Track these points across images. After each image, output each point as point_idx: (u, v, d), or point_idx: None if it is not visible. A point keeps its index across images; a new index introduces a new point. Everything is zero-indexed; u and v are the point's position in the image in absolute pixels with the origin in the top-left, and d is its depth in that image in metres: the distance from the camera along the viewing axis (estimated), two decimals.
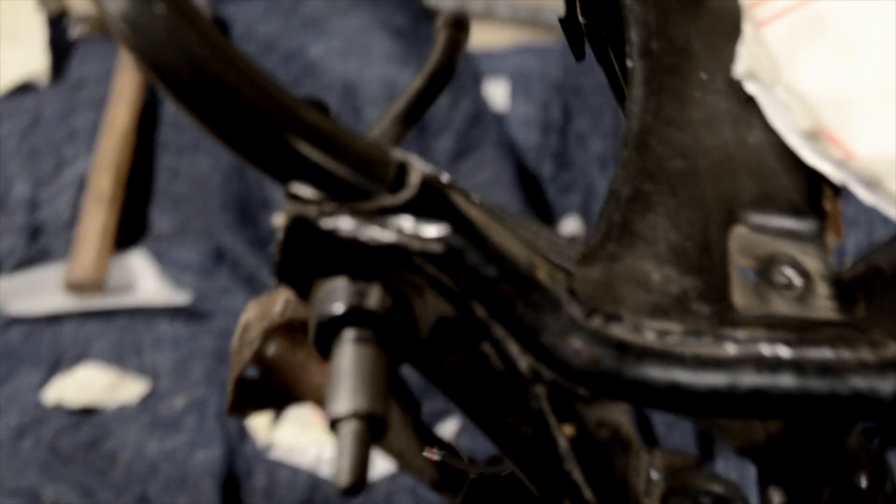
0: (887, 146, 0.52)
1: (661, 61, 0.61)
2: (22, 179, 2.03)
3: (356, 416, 0.47)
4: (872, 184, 0.54)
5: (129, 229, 2.01)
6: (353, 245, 0.48)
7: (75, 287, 1.91)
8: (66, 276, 1.92)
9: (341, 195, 0.48)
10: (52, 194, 2.02)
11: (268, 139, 0.46)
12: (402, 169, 0.48)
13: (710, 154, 0.59)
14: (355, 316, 0.48)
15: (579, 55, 0.79)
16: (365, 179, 0.48)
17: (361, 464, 0.46)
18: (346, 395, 0.47)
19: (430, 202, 0.48)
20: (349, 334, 0.48)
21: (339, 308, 0.49)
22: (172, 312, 1.89)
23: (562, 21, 0.77)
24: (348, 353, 0.48)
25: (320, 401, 0.69)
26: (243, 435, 1.72)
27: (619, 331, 0.52)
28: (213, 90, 0.46)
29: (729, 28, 0.62)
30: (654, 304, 0.53)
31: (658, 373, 0.52)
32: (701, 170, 0.58)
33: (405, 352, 0.50)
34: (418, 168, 0.49)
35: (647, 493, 0.62)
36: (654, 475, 0.63)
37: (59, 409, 1.76)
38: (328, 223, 0.48)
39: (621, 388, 0.52)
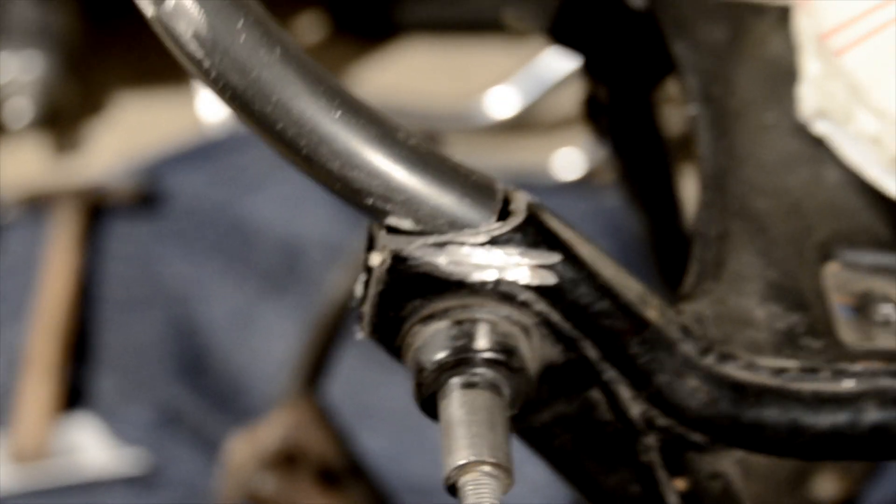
0: None
1: (724, 105, 0.59)
2: None
3: (482, 464, 0.42)
4: None
5: (74, 395, 1.94)
6: (456, 283, 0.44)
7: (19, 456, 1.83)
8: (8, 446, 1.84)
9: (444, 227, 0.44)
10: None
11: (362, 165, 0.43)
12: (507, 199, 0.45)
13: (791, 193, 0.56)
14: (463, 362, 0.44)
15: (602, 136, 0.77)
16: (468, 209, 0.44)
17: None
18: (466, 444, 0.42)
19: (537, 231, 0.45)
20: (458, 380, 0.44)
21: (442, 354, 0.44)
22: (124, 484, 1.81)
23: (587, 102, 0.75)
24: (459, 399, 0.44)
25: None
26: None
27: (734, 370, 0.49)
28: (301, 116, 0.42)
29: (782, 71, 0.61)
30: (763, 341, 0.50)
31: (777, 413, 0.49)
32: (784, 208, 0.56)
33: (516, 404, 0.46)
34: (523, 197, 0.45)
35: None
36: None
37: None
38: (432, 257, 0.44)
39: (739, 432, 0.49)
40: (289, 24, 2.13)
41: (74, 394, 1.92)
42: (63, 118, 2.11)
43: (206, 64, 0.41)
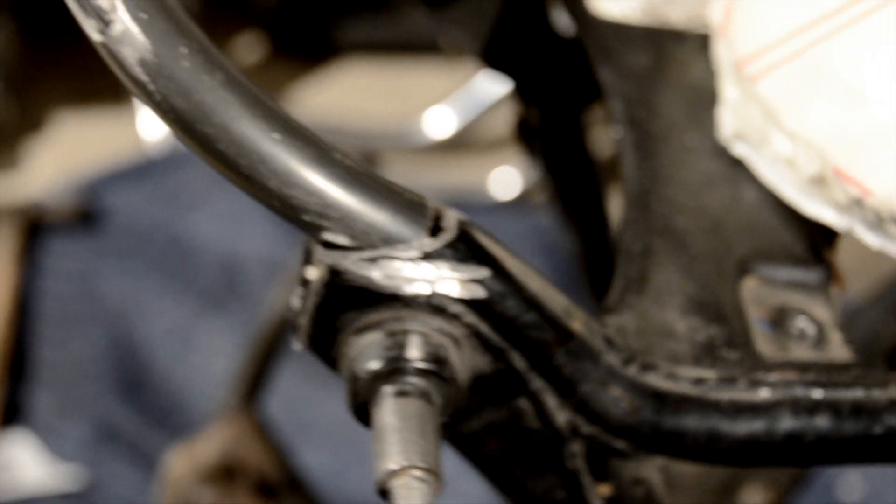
0: None
1: (647, 128, 0.62)
2: None
3: (412, 469, 0.44)
4: (883, 222, 0.54)
5: (11, 411, 1.93)
6: (389, 296, 0.46)
7: None
8: None
9: (378, 242, 0.46)
10: None
11: (299, 183, 0.44)
12: (437, 215, 0.47)
13: (711, 212, 0.59)
14: (396, 371, 0.46)
15: (534, 157, 0.80)
16: (401, 225, 0.46)
17: None
18: (398, 450, 0.44)
19: (467, 247, 0.47)
20: (390, 389, 0.46)
21: (376, 363, 0.46)
22: (61, 500, 1.81)
23: (519, 125, 0.78)
24: (392, 407, 0.46)
25: None
26: None
27: (655, 379, 0.51)
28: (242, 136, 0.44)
29: (703, 95, 0.63)
30: (684, 352, 0.53)
31: (696, 421, 0.51)
32: (705, 226, 0.58)
33: (447, 412, 0.48)
34: (453, 214, 0.47)
35: None
36: None
37: None
38: (366, 271, 0.46)
39: (660, 440, 0.51)
40: (228, 44, 2.14)
41: (11, 410, 1.91)
42: (0, 135, 2.11)
43: (151, 87, 0.43)
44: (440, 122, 1.99)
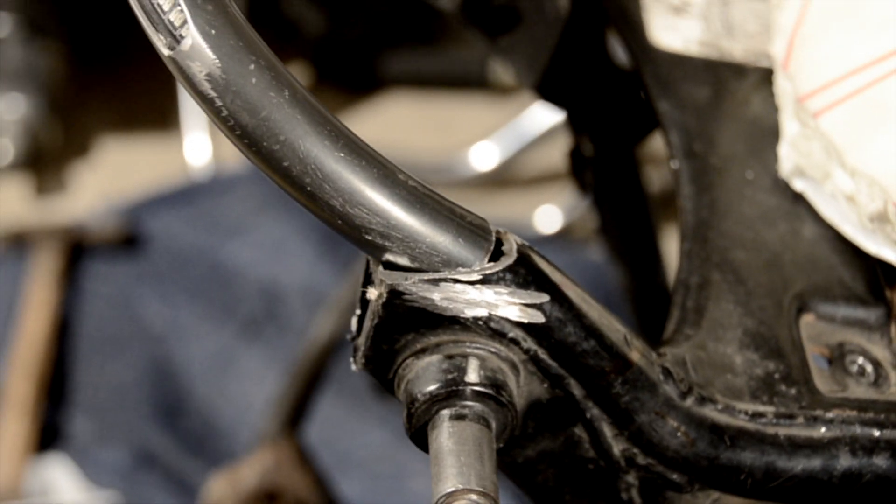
0: None
1: (706, 161, 0.61)
2: None
3: (469, 493, 0.43)
4: None
5: (49, 434, 1.93)
6: (449, 318, 0.46)
7: None
8: None
9: (439, 265, 0.46)
10: None
11: (363, 203, 0.44)
12: (500, 240, 0.47)
13: (770, 246, 0.59)
14: (453, 394, 0.46)
15: (585, 189, 0.79)
16: (463, 248, 0.46)
17: None
18: (455, 473, 0.44)
19: (528, 272, 0.46)
20: (448, 412, 0.46)
21: (434, 386, 0.46)
22: None
23: (570, 153, 0.78)
24: (449, 430, 0.45)
25: None
26: None
27: (712, 412, 0.50)
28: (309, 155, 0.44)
29: (765, 131, 0.63)
30: (741, 386, 0.52)
31: (753, 456, 0.51)
32: (763, 260, 0.58)
33: (503, 437, 0.47)
34: (513, 238, 0.47)
35: None
36: None
37: None
38: (426, 293, 0.45)
39: (716, 473, 0.50)
40: None
41: (50, 433, 1.92)
42: (46, 159, 2.13)
43: (218, 103, 0.43)
44: (484, 157, 1.99)
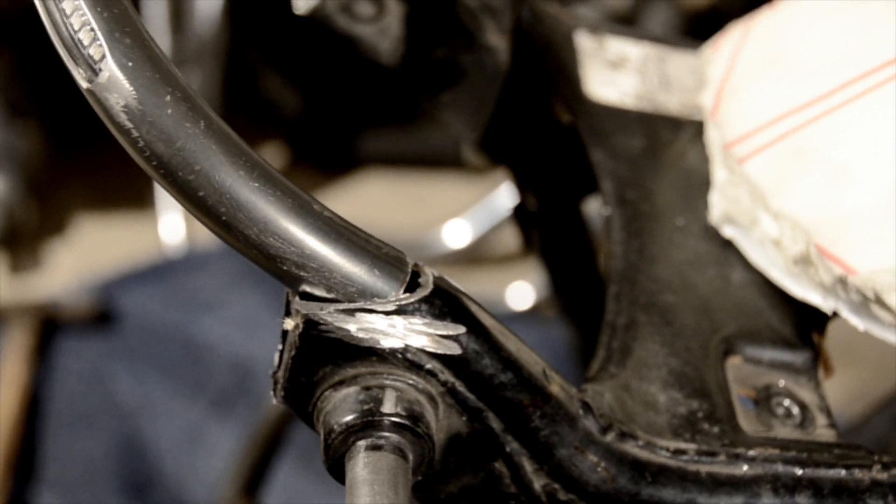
0: (888, 259, 0.53)
1: (637, 208, 0.62)
2: None
3: None
4: (868, 303, 0.54)
5: None
6: (365, 349, 0.46)
7: None
8: None
9: (355, 295, 0.46)
10: None
11: (278, 232, 0.45)
12: (416, 272, 0.47)
13: (698, 290, 0.59)
14: (370, 425, 0.46)
15: (529, 244, 0.80)
16: (378, 278, 0.46)
17: None
18: (372, 499, 0.44)
19: (444, 303, 0.47)
20: (364, 443, 0.46)
21: (350, 417, 0.46)
22: None
23: (515, 210, 0.78)
24: (365, 461, 0.46)
25: None
26: None
27: (633, 448, 0.50)
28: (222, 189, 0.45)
29: (698, 180, 0.64)
30: (664, 423, 0.52)
31: (675, 493, 0.51)
32: (691, 304, 0.58)
33: (420, 470, 0.47)
34: (430, 271, 0.48)
35: None
36: None
37: None
38: (342, 323, 0.46)
39: None
40: None
41: None
42: (22, 237, 2.13)
43: (135, 134, 0.44)
44: (457, 234, 2.01)
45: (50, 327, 1.99)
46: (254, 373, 1.94)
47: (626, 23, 1.76)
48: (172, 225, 2.02)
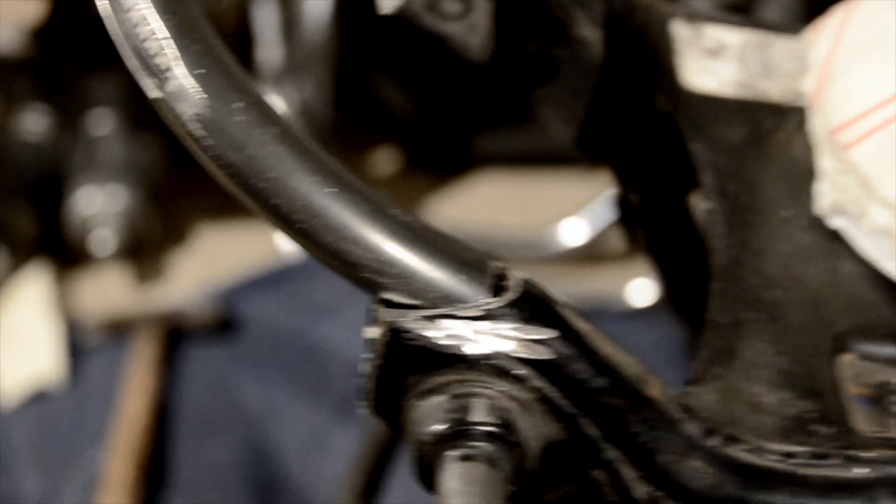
0: None
1: (739, 201, 0.60)
2: (32, 479, 1.99)
3: None
4: None
5: None
6: (452, 356, 0.45)
7: None
8: None
9: (438, 301, 0.45)
10: (63, 486, 1.97)
11: (355, 239, 0.44)
12: (502, 276, 0.46)
13: (806, 284, 0.57)
14: (460, 435, 0.45)
15: (633, 238, 0.78)
16: (462, 283, 0.45)
17: None
18: None
19: (533, 308, 0.45)
20: (455, 453, 0.44)
21: (440, 427, 0.45)
22: None
23: (619, 207, 0.76)
24: (456, 472, 0.44)
25: None
26: None
27: (740, 452, 0.48)
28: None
29: (802, 170, 0.61)
30: (772, 425, 0.50)
31: (786, 498, 0.48)
32: (798, 299, 0.56)
33: (515, 479, 0.46)
34: (518, 274, 0.46)
35: None
36: None
37: None
38: (427, 331, 0.44)
39: None
40: (363, 158, 2.18)
41: None
42: (145, 248, 2.16)
43: (207, 142, 0.43)
44: (574, 232, 1.98)
45: (175, 336, 2.02)
46: None
47: (742, 11, 1.71)
48: None
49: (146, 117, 2.18)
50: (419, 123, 2.18)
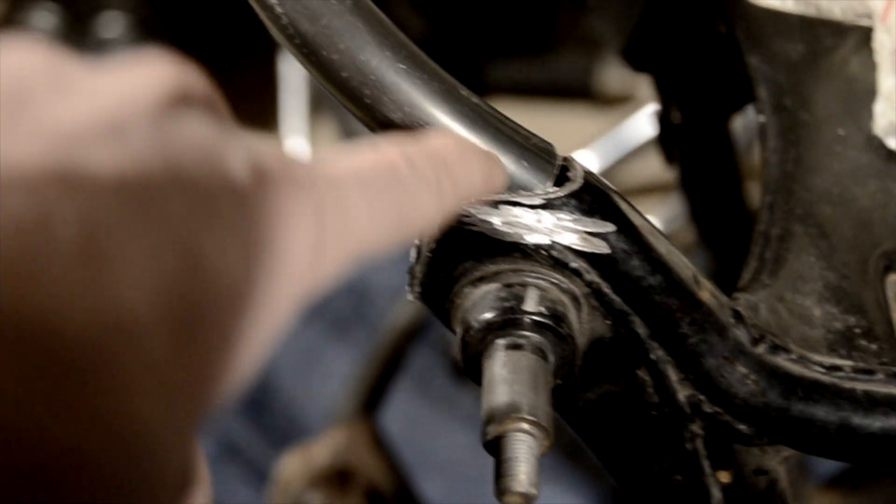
0: None
1: (796, 116, 0.59)
2: None
3: (521, 421, 0.41)
4: None
5: None
6: (508, 244, 0.44)
7: None
8: None
9: None
10: None
11: (424, 118, 0.43)
12: (564, 166, 0.45)
13: (858, 202, 0.56)
14: (510, 323, 0.44)
15: (670, 157, 0.77)
16: (526, 170, 0.44)
17: (536, 474, 0.41)
18: (506, 401, 0.42)
19: (594, 200, 0.44)
20: (503, 341, 0.44)
21: (491, 314, 0.44)
22: None
23: (658, 122, 0.75)
24: (504, 359, 0.43)
25: None
26: None
27: (785, 362, 0.48)
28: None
29: (860, 90, 0.60)
30: (818, 337, 0.49)
31: (827, 410, 0.48)
32: (850, 217, 0.55)
33: (560, 373, 0.45)
34: (581, 165, 0.45)
35: None
36: None
37: None
38: (486, 216, 0.44)
39: (787, 427, 0.48)
40: None
41: None
42: None
43: (278, 10, 0.42)
44: (584, 165, 1.97)
45: None
46: (370, 297, 1.94)
47: None
48: (297, 145, 2.02)
49: (156, 22, 2.15)
50: (432, 47, 2.16)
